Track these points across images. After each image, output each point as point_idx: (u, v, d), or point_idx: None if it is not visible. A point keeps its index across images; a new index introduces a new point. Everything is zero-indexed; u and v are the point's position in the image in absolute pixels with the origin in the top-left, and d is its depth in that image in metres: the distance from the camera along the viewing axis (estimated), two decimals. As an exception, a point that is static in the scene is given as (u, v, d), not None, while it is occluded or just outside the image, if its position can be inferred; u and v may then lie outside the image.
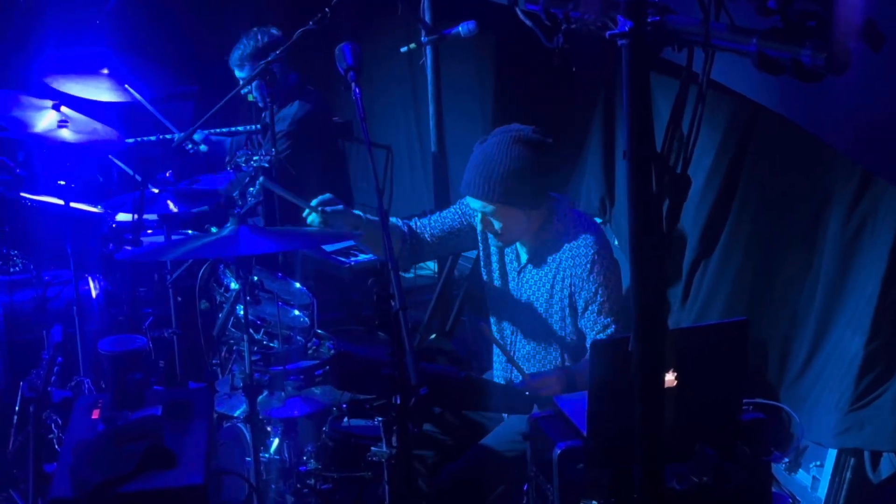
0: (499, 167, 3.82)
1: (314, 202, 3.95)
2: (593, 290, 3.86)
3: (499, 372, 4.18)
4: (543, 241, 3.99)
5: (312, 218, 3.97)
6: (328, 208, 3.95)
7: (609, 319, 3.86)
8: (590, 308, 3.88)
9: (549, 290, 3.97)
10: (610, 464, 3.01)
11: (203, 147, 6.08)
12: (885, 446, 3.90)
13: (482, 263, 4.23)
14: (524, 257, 4.07)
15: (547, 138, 3.91)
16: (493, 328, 4.17)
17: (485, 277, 4.22)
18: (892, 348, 3.84)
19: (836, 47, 1.81)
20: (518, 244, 4.08)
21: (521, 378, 3.84)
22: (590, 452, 3.01)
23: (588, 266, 3.86)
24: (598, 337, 3.86)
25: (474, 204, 3.93)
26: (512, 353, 4.09)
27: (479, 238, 4.19)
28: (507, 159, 3.82)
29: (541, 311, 4.01)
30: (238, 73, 5.77)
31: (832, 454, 4.06)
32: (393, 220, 4.17)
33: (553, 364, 4.02)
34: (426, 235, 4.20)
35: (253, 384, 3.71)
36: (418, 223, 4.22)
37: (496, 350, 4.15)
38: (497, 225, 3.94)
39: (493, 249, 4.17)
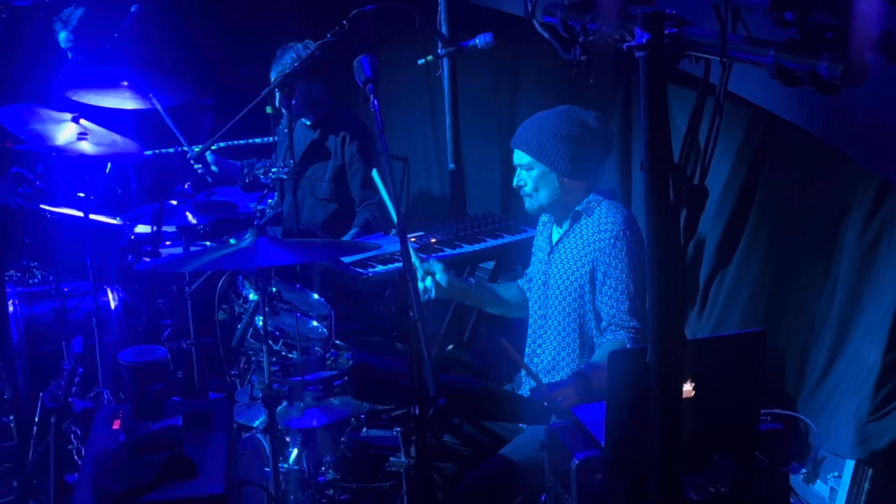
0: (544, 126, 3.98)
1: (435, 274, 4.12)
2: (613, 263, 3.88)
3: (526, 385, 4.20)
4: (576, 218, 4.04)
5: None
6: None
7: (624, 297, 3.87)
8: (608, 283, 3.89)
9: (573, 266, 4.00)
10: (628, 474, 3.02)
11: (214, 168, 6.11)
12: (904, 456, 3.89)
13: (534, 264, 4.32)
14: (555, 238, 4.13)
15: (604, 124, 4.05)
16: (531, 322, 4.21)
17: (533, 276, 4.31)
18: (910, 359, 3.84)
19: (854, 59, 1.82)
20: (554, 227, 4.16)
21: (537, 387, 3.85)
22: (608, 463, 3.01)
23: (612, 241, 3.89)
24: (612, 321, 3.88)
25: (516, 156, 4.07)
26: (539, 342, 4.13)
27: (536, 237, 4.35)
28: (555, 122, 3.97)
29: (563, 290, 4.04)
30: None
31: (850, 465, 4.04)
32: (520, 283, 4.46)
33: (572, 351, 4.02)
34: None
35: (272, 395, 3.73)
36: (525, 285, 4.42)
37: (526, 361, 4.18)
38: (528, 181, 4.05)
39: (534, 250, 4.29)
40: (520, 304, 4.40)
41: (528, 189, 4.07)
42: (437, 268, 4.14)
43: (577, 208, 4.03)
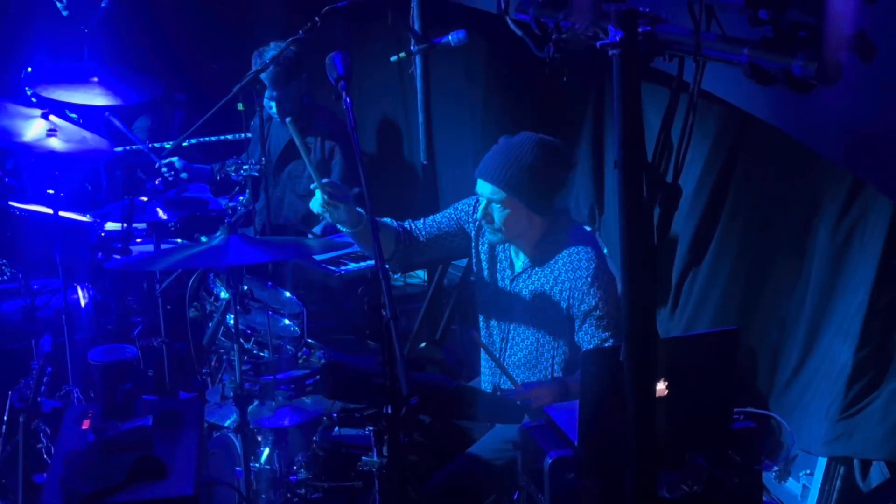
0: (519, 159, 3.85)
1: (325, 181, 3.84)
2: (593, 303, 3.84)
3: (487, 378, 4.16)
4: (543, 251, 3.97)
5: (316, 199, 3.86)
6: (336, 194, 3.85)
7: (607, 334, 3.84)
8: (588, 321, 3.86)
9: (545, 301, 3.95)
10: (601, 473, 3.01)
11: (183, 175, 6.06)
12: (875, 455, 3.90)
13: (474, 268, 4.21)
14: (518, 266, 4.05)
15: (572, 155, 3.99)
16: (483, 333, 4.16)
17: (476, 283, 4.22)
18: (881, 356, 3.85)
19: (827, 58, 1.82)
20: (513, 252, 4.08)
21: (511, 387, 3.84)
22: (581, 462, 3.01)
23: (589, 280, 3.84)
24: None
25: (484, 189, 3.91)
26: (502, 361, 4.08)
27: (472, 243, 4.19)
28: (530, 155, 3.84)
29: (534, 321, 3.99)
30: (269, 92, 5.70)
31: (822, 463, 4.06)
32: (387, 220, 4.16)
33: (543, 374, 4.01)
34: (420, 236, 4.17)
35: (243, 394, 3.71)
36: (413, 224, 4.20)
37: (484, 356, 4.14)
38: (498, 216, 3.90)
39: (483, 256, 4.15)
40: (390, 255, 4.12)
41: (497, 224, 3.92)
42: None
43: (540, 240, 3.97)
